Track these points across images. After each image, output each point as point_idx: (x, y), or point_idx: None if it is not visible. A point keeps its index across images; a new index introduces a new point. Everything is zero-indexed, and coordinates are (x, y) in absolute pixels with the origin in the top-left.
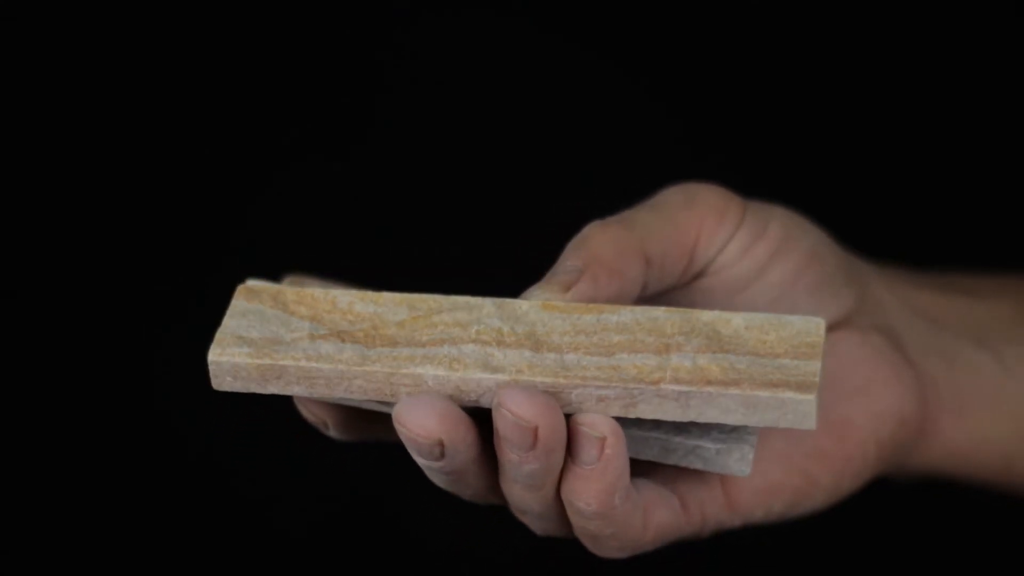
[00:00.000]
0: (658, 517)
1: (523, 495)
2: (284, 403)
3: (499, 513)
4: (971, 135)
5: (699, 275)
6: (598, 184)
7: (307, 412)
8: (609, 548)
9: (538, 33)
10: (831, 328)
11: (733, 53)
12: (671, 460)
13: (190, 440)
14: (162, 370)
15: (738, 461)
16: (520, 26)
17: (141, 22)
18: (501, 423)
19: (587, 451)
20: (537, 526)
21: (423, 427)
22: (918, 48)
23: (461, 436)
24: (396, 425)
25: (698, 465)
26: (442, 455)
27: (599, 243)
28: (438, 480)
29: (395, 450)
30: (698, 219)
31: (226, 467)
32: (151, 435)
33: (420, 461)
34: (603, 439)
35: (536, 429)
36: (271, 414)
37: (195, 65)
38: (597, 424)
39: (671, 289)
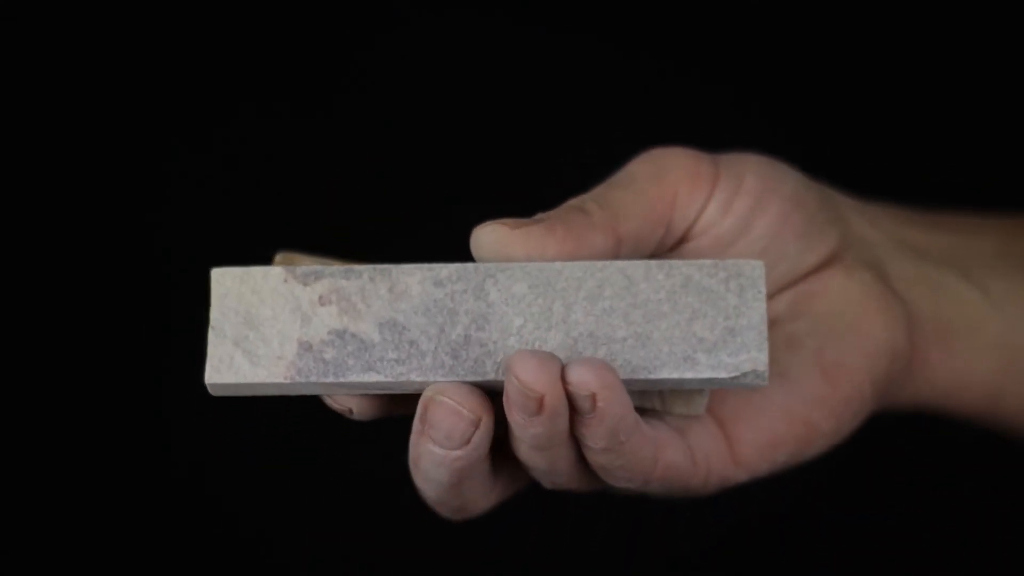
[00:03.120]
0: (668, 455)
1: (528, 454)
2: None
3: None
4: (954, 87)
5: (683, 240)
6: (594, 172)
7: (332, 401)
8: (619, 479)
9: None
10: (819, 268)
11: (727, 37)
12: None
13: (187, 456)
14: (148, 370)
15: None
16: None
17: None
18: (510, 387)
19: (581, 404)
20: (546, 482)
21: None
22: None
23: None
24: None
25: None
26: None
27: (569, 211)
28: (433, 489)
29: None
30: (671, 190)
31: (220, 485)
32: (145, 444)
33: (436, 451)
34: (592, 395)
35: (542, 398)
36: (268, 438)
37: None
38: (585, 381)
39: (654, 256)
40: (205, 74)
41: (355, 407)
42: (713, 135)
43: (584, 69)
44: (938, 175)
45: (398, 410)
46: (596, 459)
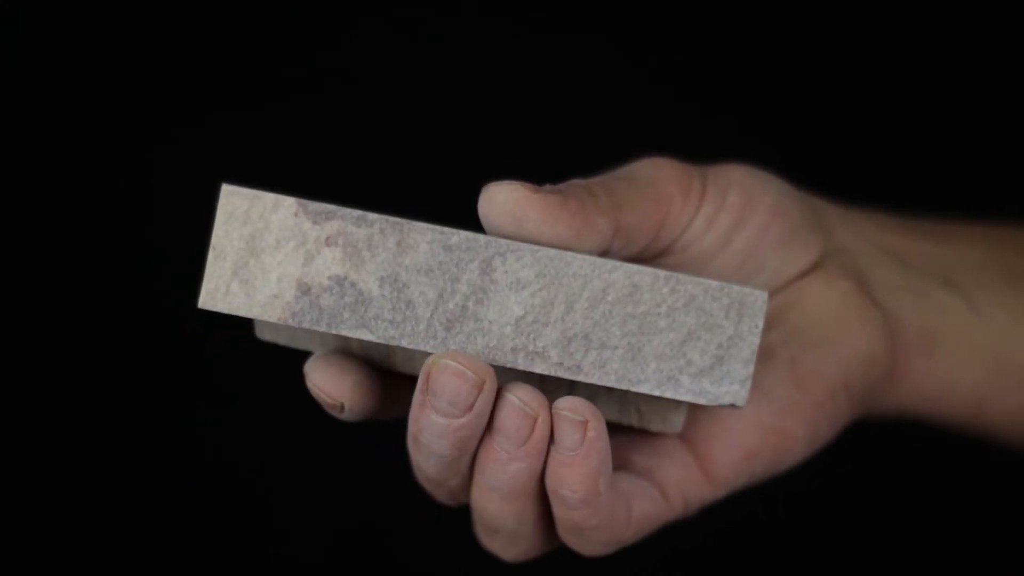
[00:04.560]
0: (640, 509)
1: (499, 507)
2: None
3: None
4: (941, 92)
5: (663, 253)
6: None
7: (324, 396)
8: (593, 543)
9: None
10: (799, 277)
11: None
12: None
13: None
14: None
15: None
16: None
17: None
18: (507, 408)
19: (569, 436)
20: (508, 549)
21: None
22: None
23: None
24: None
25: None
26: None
27: (577, 188)
28: (433, 465)
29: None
30: (667, 198)
31: (237, 479)
32: (159, 438)
33: (438, 421)
34: (585, 422)
35: (536, 420)
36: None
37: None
38: (578, 407)
39: (636, 260)
40: (225, 42)
41: (347, 404)
42: (703, 139)
43: (582, 69)
44: (926, 182)
45: (389, 413)
46: (572, 517)
